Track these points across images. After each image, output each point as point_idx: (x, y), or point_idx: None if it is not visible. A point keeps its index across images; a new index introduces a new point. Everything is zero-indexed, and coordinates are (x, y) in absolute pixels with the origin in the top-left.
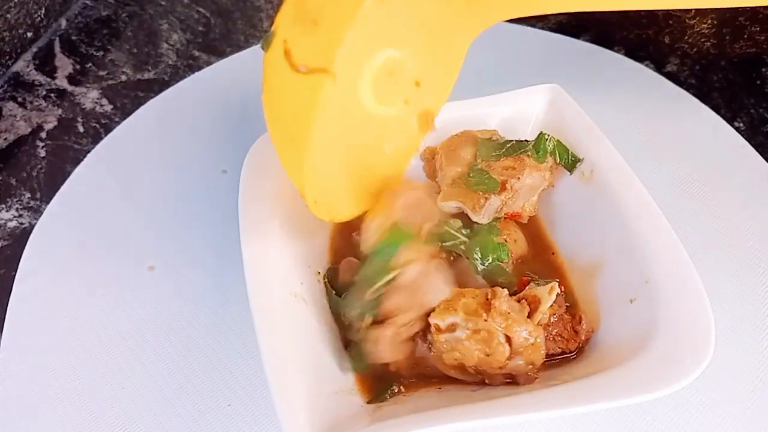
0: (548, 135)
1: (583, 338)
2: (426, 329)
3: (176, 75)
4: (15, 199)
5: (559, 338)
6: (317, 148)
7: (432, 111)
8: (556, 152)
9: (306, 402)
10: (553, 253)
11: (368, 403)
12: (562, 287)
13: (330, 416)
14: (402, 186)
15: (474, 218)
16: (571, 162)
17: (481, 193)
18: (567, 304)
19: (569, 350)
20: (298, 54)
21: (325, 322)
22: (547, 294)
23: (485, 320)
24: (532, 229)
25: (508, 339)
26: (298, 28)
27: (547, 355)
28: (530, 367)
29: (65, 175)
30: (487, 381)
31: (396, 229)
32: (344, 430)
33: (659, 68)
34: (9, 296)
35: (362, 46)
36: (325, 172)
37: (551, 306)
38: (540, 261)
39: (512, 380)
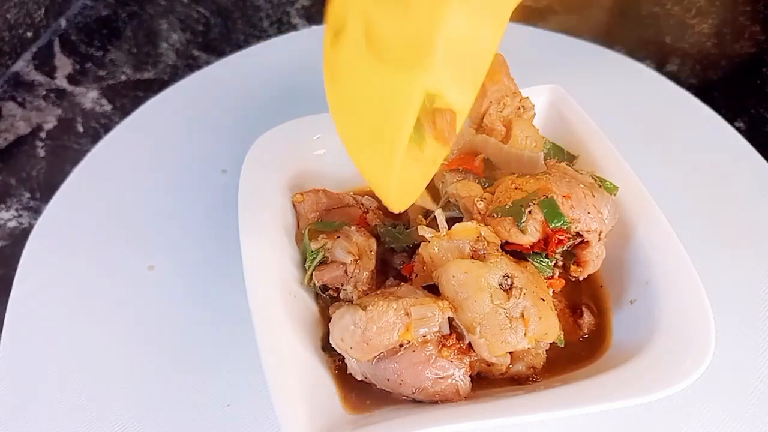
0: (543, 138)
1: (585, 331)
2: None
3: (176, 75)
4: (15, 199)
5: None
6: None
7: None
8: (551, 153)
9: (305, 402)
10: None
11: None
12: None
13: (329, 416)
14: None
15: None
16: (566, 161)
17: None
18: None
19: (572, 343)
20: (387, 41)
21: (324, 321)
22: None
23: None
24: None
25: None
26: (383, 9)
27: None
28: (532, 370)
29: (64, 175)
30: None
31: None
32: (344, 430)
33: (660, 68)
34: (9, 296)
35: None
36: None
37: None
38: None
39: (515, 382)
